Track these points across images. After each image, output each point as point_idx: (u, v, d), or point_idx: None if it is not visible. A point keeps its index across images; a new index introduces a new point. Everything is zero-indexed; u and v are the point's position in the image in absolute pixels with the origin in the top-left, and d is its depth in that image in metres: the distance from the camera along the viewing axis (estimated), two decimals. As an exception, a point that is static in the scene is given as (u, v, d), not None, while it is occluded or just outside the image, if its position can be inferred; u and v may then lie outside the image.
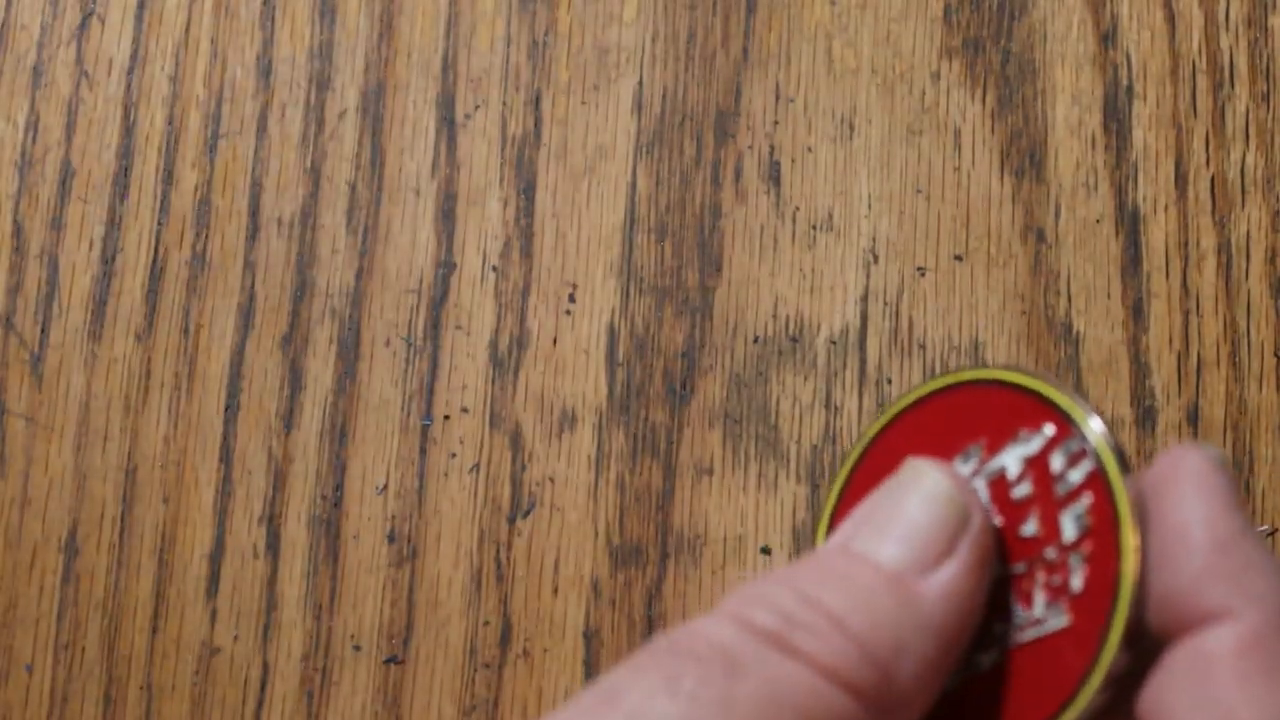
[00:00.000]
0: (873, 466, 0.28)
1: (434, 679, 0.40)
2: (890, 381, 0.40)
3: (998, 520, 0.26)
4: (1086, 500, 0.25)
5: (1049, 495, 0.26)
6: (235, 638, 0.40)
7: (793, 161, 0.42)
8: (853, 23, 0.43)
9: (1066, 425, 0.26)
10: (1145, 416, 0.40)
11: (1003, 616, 0.26)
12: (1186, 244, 0.41)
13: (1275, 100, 0.42)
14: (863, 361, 0.41)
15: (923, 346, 0.41)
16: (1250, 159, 0.41)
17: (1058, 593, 0.25)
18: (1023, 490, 0.26)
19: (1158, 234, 0.41)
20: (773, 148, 0.42)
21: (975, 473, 0.26)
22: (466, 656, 0.40)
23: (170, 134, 0.43)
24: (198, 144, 0.43)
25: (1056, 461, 0.25)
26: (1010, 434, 0.26)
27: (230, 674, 0.40)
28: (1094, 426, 0.25)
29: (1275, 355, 0.40)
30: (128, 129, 0.43)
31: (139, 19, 0.43)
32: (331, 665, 0.40)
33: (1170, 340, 0.40)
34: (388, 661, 0.40)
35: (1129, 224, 0.41)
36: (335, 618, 0.41)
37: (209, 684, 0.40)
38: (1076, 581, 0.25)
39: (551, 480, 0.41)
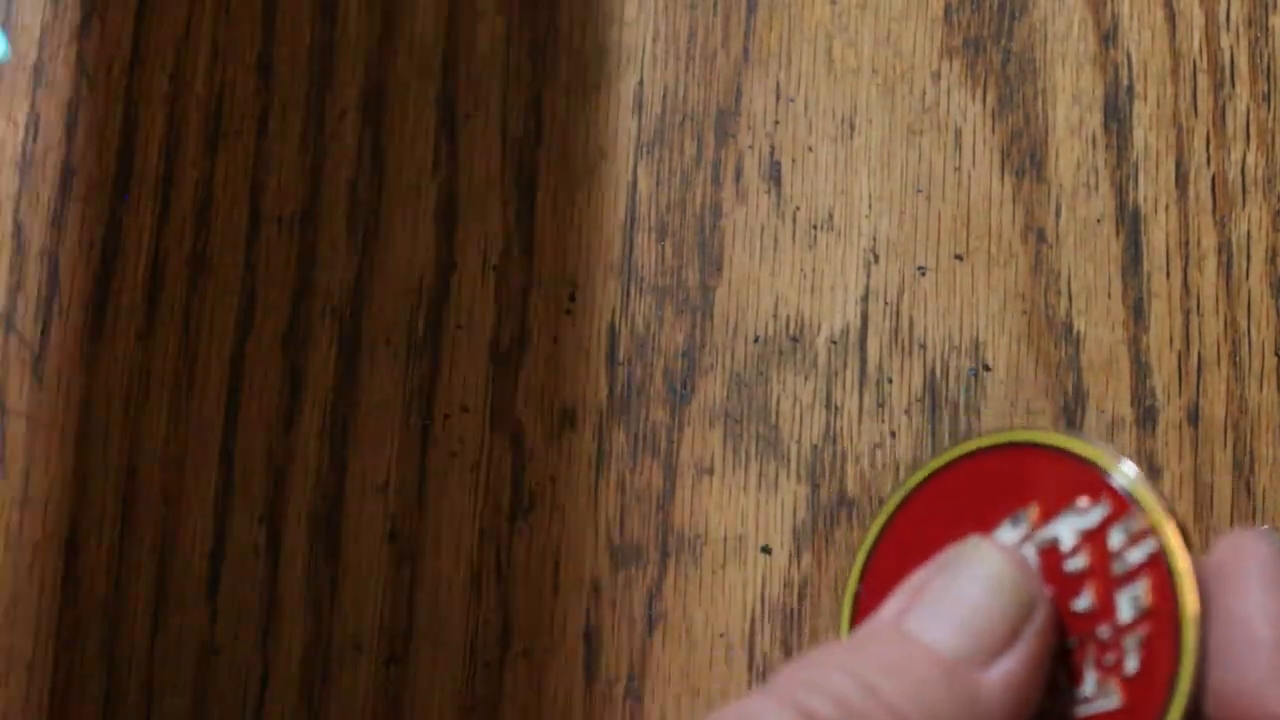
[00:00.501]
0: (905, 531, 0.27)
1: (434, 679, 0.40)
2: (891, 381, 0.40)
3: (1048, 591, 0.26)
4: (1146, 582, 0.24)
5: (1105, 572, 0.25)
6: (235, 637, 0.40)
7: (793, 161, 0.42)
8: (853, 22, 0.43)
9: (1125, 501, 0.25)
10: (1146, 416, 0.40)
11: (1051, 690, 0.25)
12: (1187, 243, 0.41)
13: (1276, 100, 0.42)
14: (863, 361, 0.41)
15: (923, 346, 0.41)
16: (1251, 158, 0.41)
17: (1110, 672, 0.25)
18: (1077, 563, 0.25)
19: (1158, 233, 0.41)
20: (773, 147, 0.42)
21: (1025, 538, 0.26)
22: (466, 656, 0.40)
23: (170, 134, 0.43)
24: (198, 144, 0.43)
25: (1115, 538, 0.25)
26: (1065, 502, 0.26)
27: (230, 674, 0.40)
28: (1158, 505, 0.24)
29: (1276, 354, 0.40)
30: (128, 129, 0.43)
31: (139, 18, 0.43)
32: (331, 665, 0.40)
33: (1171, 340, 0.40)
34: (388, 662, 0.40)
35: (1129, 223, 0.41)
36: (335, 618, 0.41)
37: (209, 684, 0.40)
38: (1131, 664, 0.24)
39: (552, 480, 0.41)
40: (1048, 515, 0.26)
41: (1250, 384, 0.40)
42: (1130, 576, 0.25)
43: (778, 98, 0.42)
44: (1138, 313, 0.41)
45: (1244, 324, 0.40)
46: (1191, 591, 0.24)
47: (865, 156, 0.42)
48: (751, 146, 0.42)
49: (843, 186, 0.42)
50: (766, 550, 0.40)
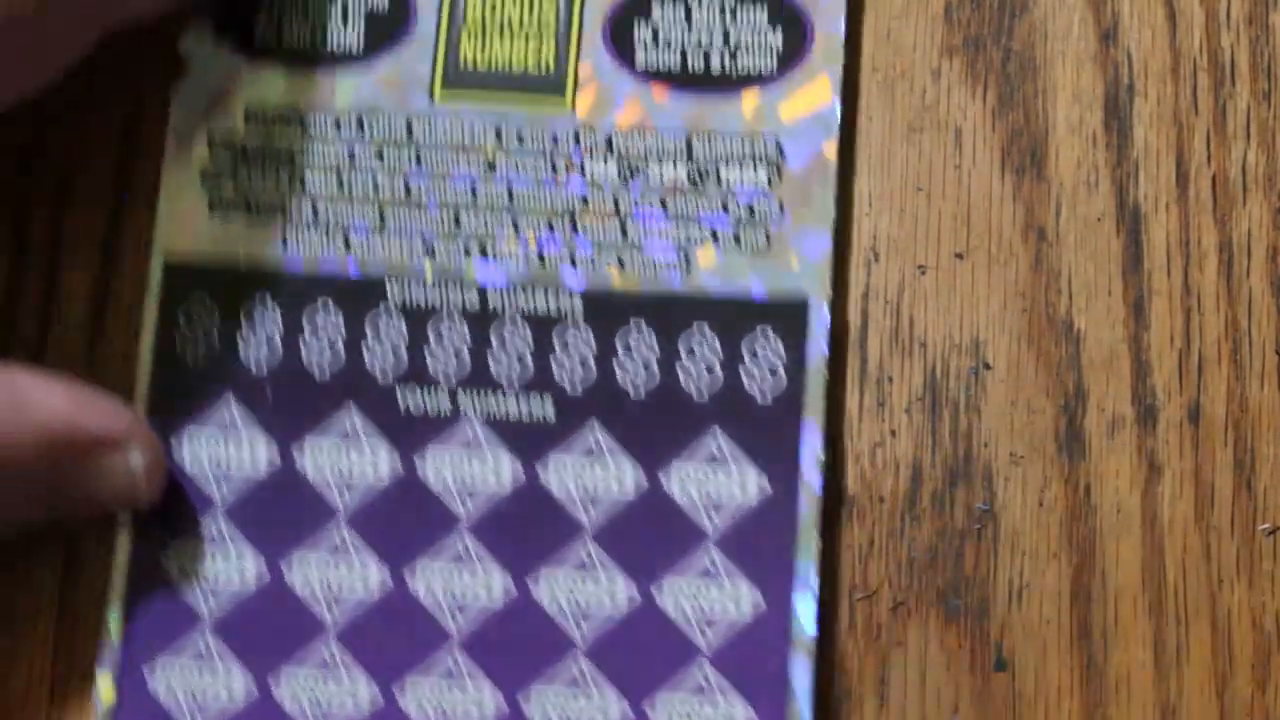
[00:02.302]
0: None
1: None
2: (891, 380, 0.40)
3: None
4: None
5: None
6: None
7: (793, 160, 0.42)
8: (853, 21, 0.43)
9: None
10: (1146, 415, 0.40)
11: None
12: (1188, 242, 0.41)
13: (1276, 98, 0.42)
14: (863, 360, 0.41)
15: (924, 345, 0.41)
16: (1252, 157, 0.41)
17: None
18: None
19: (1159, 232, 0.41)
20: (773, 146, 0.42)
21: None
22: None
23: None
24: (197, 143, 0.43)
25: None
26: None
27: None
28: None
29: (1277, 353, 0.40)
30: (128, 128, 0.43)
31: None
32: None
33: (1171, 338, 0.40)
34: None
35: (1130, 222, 0.41)
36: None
37: (209, 684, 0.40)
38: None
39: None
40: None
41: (1251, 382, 0.40)
42: None
43: (778, 96, 0.42)
44: (1138, 311, 0.41)
45: (1245, 322, 0.40)
46: None
47: (865, 155, 0.42)
48: (751, 145, 0.42)
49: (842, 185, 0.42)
50: (767, 549, 0.40)
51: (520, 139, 0.40)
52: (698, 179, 0.40)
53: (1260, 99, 0.42)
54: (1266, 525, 0.40)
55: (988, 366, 0.40)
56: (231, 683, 0.38)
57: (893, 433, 0.40)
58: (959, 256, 0.41)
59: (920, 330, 0.41)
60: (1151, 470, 0.40)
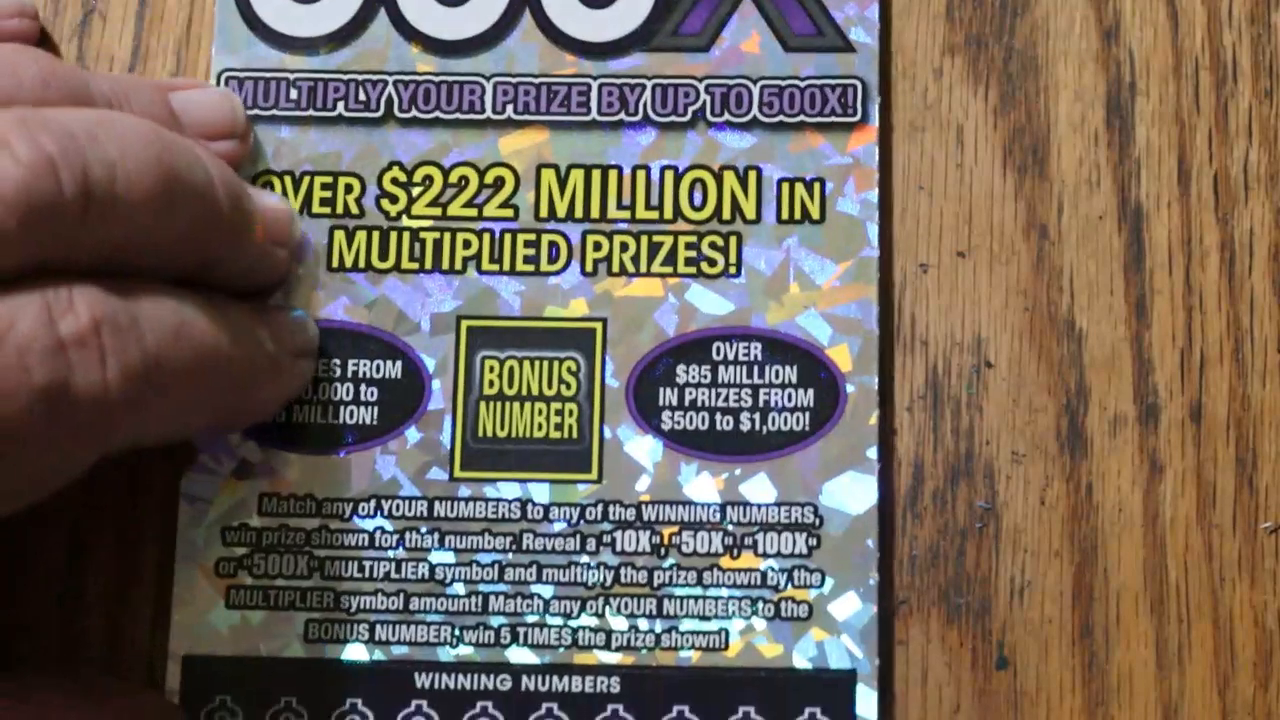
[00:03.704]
0: None
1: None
2: (892, 379, 0.40)
3: None
4: None
5: None
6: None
7: (795, 158, 0.42)
8: (855, 19, 0.43)
9: None
10: (1148, 414, 0.40)
11: None
12: (1189, 241, 0.41)
13: (1278, 97, 0.42)
14: (865, 358, 0.41)
15: (925, 343, 0.41)
16: (1253, 155, 0.41)
17: None
18: None
19: (1160, 231, 0.41)
20: (775, 144, 0.42)
21: None
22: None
23: (171, 131, 0.43)
24: (199, 141, 0.43)
25: None
26: None
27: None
28: None
29: (1279, 352, 0.40)
30: (129, 126, 0.43)
31: (140, 16, 0.43)
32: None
33: (1173, 337, 0.40)
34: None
35: (1132, 220, 0.41)
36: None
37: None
38: None
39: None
40: None
41: (1253, 381, 0.40)
42: None
43: (779, 95, 0.42)
44: (1140, 310, 0.41)
45: (1246, 321, 0.40)
46: None
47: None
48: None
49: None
50: (768, 548, 0.40)
51: (547, 514, 0.39)
52: (733, 549, 0.39)
53: (1262, 97, 0.42)
54: (1268, 524, 0.40)
55: (989, 365, 0.40)
56: None
57: (894, 431, 0.40)
58: (961, 255, 0.41)
59: (922, 328, 0.41)
60: (1153, 469, 0.40)
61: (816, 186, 0.40)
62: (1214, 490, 0.40)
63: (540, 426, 0.39)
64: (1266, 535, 0.39)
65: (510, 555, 0.38)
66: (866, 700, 0.38)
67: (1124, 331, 0.41)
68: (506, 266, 0.40)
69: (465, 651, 0.38)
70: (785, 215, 0.40)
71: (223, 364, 0.35)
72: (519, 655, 0.38)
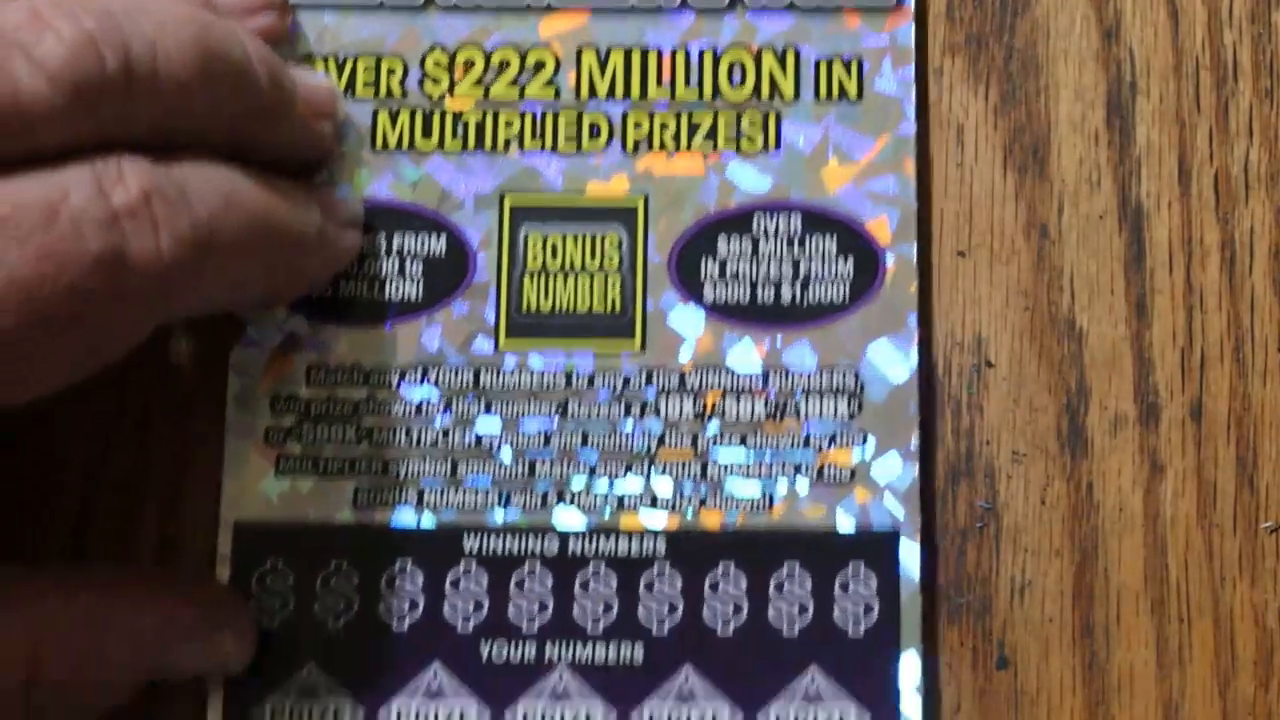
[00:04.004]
0: None
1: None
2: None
3: None
4: None
5: None
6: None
7: (795, 158, 0.42)
8: (855, 19, 0.43)
9: None
10: (1149, 413, 0.40)
11: None
12: (1190, 240, 0.41)
13: (1278, 96, 0.42)
14: (865, 358, 0.41)
15: (925, 343, 0.41)
16: (1254, 155, 0.41)
17: None
18: None
19: (1161, 230, 0.41)
20: (775, 144, 0.42)
21: None
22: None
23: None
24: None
25: None
26: None
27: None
28: None
29: (1279, 351, 0.40)
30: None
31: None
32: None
33: (1174, 336, 0.40)
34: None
35: (1132, 220, 0.41)
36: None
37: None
38: None
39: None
40: None
41: (1253, 380, 0.40)
42: None
43: (780, 94, 0.42)
44: (1140, 309, 0.41)
45: (1247, 320, 0.40)
46: None
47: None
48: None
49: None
50: (769, 547, 0.40)
51: (591, 382, 0.39)
52: (776, 414, 0.39)
53: (1262, 97, 0.42)
54: (1269, 523, 0.40)
55: (990, 364, 0.40)
56: None
57: (895, 431, 0.40)
58: (961, 255, 0.41)
59: (922, 328, 0.41)
60: (1154, 468, 0.40)
61: (854, 65, 0.41)
62: (1214, 490, 0.40)
63: (584, 299, 0.40)
64: (1267, 535, 0.39)
65: (556, 421, 0.39)
66: (910, 554, 0.39)
67: (1124, 331, 0.41)
68: (549, 145, 0.41)
69: (513, 516, 0.39)
70: (823, 94, 0.41)
71: (273, 232, 0.36)
72: (566, 519, 0.39)
